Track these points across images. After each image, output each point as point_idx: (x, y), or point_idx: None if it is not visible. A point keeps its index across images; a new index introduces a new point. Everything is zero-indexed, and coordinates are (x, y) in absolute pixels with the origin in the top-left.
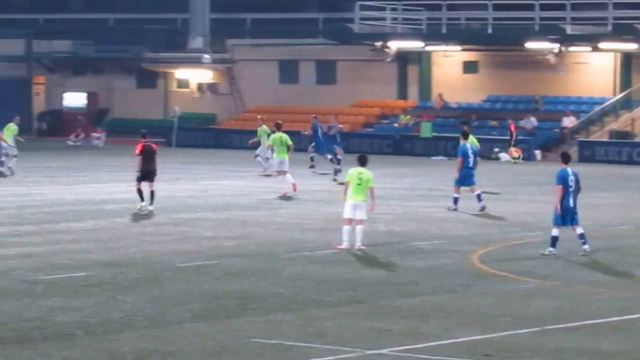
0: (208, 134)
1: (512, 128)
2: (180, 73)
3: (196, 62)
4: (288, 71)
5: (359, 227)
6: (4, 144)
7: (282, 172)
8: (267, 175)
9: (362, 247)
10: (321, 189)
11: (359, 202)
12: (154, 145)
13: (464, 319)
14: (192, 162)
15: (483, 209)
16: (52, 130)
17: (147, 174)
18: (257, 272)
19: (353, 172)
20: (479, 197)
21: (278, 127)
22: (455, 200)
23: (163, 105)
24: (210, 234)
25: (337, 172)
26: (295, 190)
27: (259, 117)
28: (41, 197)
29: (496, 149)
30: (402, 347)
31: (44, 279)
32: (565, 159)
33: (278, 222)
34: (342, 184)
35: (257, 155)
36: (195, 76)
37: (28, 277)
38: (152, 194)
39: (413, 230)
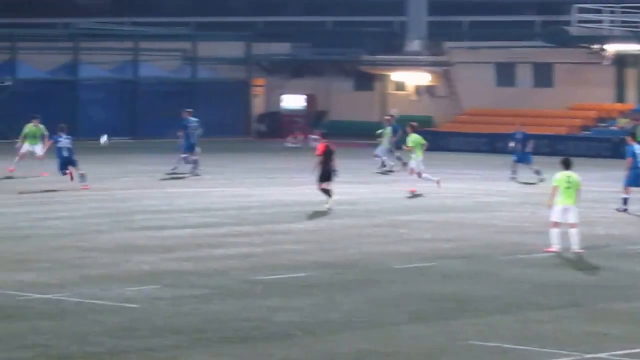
0: (425, 137)
1: None
2: (398, 76)
3: (414, 65)
4: (505, 74)
5: (573, 231)
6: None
7: (419, 172)
8: (386, 173)
9: (580, 251)
10: (539, 192)
11: (569, 205)
12: (332, 147)
13: None
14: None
15: None
16: (271, 132)
17: (327, 174)
18: (475, 275)
19: (561, 177)
20: None
21: (414, 129)
22: (625, 201)
23: (380, 108)
24: (428, 236)
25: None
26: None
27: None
28: (261, 199)
29: None
30: (621, 352)
31: (264, 279)
32: None
33: (496, 225)
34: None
35: (377, 156)
36: (412, 79)
37: (248, 278)
38: (328, 192)
39: (632, 234)
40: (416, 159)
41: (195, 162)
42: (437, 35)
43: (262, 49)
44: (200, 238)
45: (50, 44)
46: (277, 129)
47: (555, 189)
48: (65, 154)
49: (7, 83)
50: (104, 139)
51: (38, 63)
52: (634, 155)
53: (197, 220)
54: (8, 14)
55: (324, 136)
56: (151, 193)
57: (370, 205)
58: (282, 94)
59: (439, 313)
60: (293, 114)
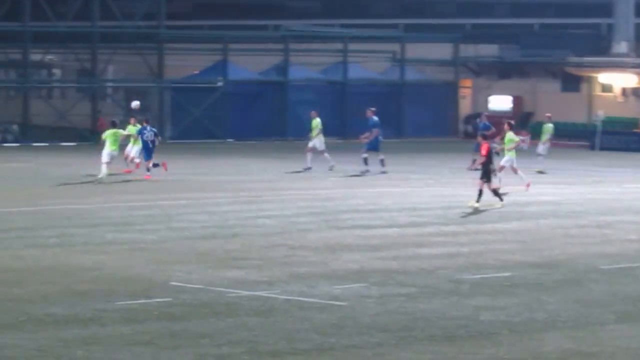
0: (632, 138)
1: None
2: (604, 77)
3: (620, 67)
4: None
5: None
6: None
7: (514, 169)
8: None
9: None
10: None
11: None
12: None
13: None
14: (615, 165)
15: None
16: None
17: (488, 174)
18: None
19: None
20: None
21: (511, 127)
22: None
23: (586, 109)
24: (633, 236)
25: None
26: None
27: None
28: (467, 198)
29: None
30: None
31: (470, 278)
32: None
33: None
34: None
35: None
36: (619, 80)
37: (454, 276)
38: (483, 192)
39: None
40: (510, 157)
41: (383, 161)
42: None
43: (469, 50)
44: (407, 237)
45: (260, 45)
46: None
47: None
48: (150, 145)
49: (219, 84)
50: (135, 104)
51: (248, 64)
52: None
53: (403, 219)
54: (220, 16)
55: (484, 137)
56: (358, 192)
57: (574, 205)
58: (488, 95)
59: None
60: (500, 115)
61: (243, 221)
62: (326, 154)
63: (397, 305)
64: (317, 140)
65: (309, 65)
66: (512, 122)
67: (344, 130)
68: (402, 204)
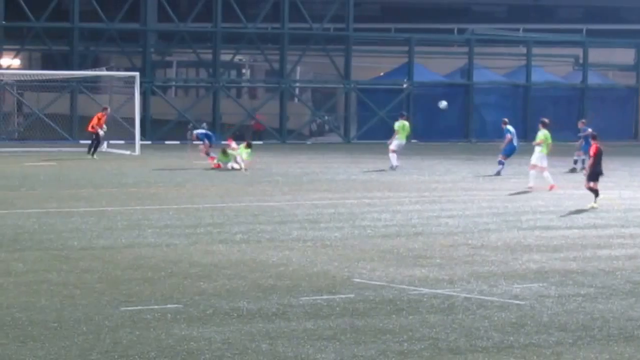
0: None
1: None
2: None
3: None
4: None
5: None
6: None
7: (542, 167)
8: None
9: None
10: None
11: None
12: (601, 148)
13: None
14: None
15: None
16: None
17: (596, 174)
18: None
19: None
20: None
21: (545, 125)
22: None
23: None
24: None
25: None
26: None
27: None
28: None
29: None
30: None
31: None
32: None
33: None
34: None
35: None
36: None
37: (633, 278)
38: (596, 192)
39: None
40: (540, 153)
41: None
42: None
43: None
44: (586, 238)
45: (445, 48)
46: None
47: None
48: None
49: (404, 85)
50: (443, 104)
51: (433, 66)
52: None
53: (583, 221)
54: (406, 19)
55: (594, 137)
56: (540, 194)
57: None
58: None
59: None
60: None
61: (426, 220)
62: (392, 155)
63: (575, 305)
64: (398, 141)
65: (493, 68)
66: (546, 120)
67: (526, 133)
68: (582, 206)
